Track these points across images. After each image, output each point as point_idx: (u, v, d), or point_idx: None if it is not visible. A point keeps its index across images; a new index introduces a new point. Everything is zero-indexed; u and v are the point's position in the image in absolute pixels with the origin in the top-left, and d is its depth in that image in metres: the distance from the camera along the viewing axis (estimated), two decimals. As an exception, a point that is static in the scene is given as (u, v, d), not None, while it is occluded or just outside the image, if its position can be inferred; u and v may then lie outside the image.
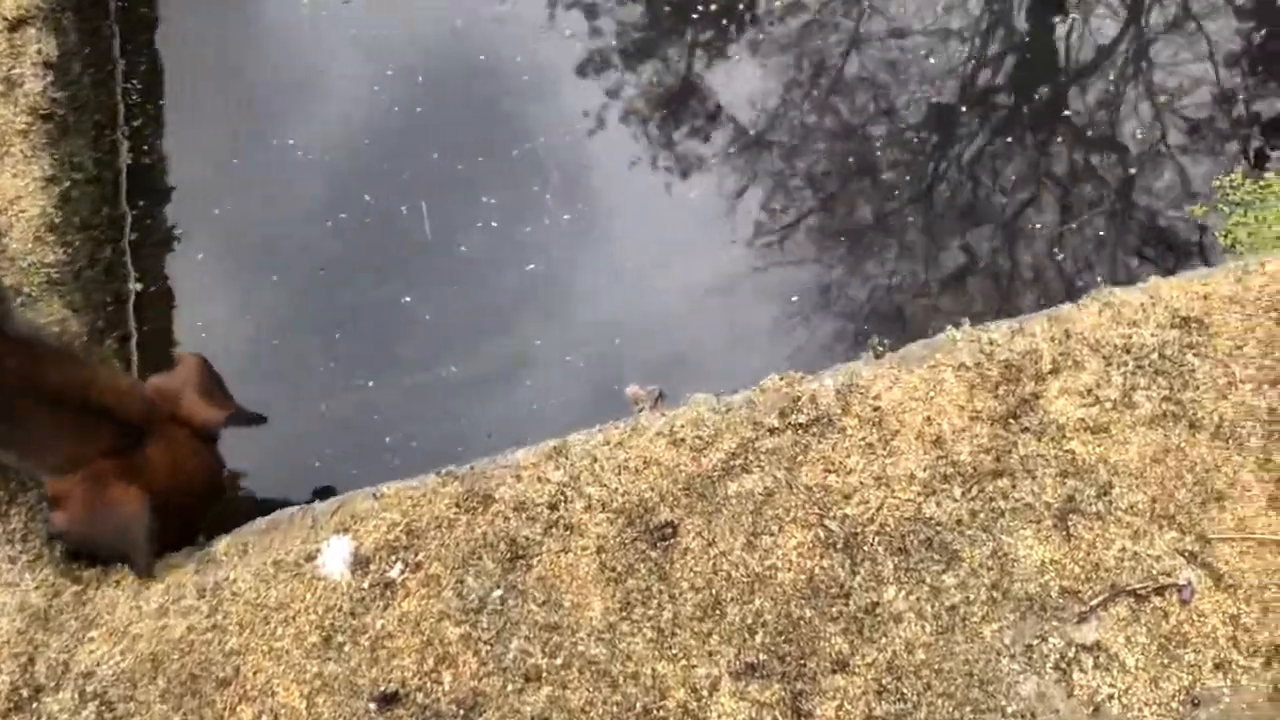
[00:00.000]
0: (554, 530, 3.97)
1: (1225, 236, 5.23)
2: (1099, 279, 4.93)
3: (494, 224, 5.32)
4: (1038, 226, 5.17)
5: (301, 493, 4.55)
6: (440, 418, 4.92)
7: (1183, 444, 3.94)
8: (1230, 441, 3.94)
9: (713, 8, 5.80)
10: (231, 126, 5.66)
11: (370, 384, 5.00)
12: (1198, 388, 4.03)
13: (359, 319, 5.19)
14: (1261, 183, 5.33)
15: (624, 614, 3.82)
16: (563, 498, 4.03)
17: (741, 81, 5.67)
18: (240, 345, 5.17)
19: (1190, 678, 3.64)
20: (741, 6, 5.88)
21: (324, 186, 5.52)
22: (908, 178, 5.34)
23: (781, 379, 4.27)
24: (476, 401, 4.92)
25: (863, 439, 4.05)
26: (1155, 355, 4.10)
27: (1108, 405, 4.02)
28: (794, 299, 5.09)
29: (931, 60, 5.61)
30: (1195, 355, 4.09)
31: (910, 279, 5.11)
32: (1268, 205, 5.27)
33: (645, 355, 4.96)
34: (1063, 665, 3.68)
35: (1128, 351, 4.11)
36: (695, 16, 5.80)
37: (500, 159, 5.53)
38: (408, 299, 5.17)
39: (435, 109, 5.69)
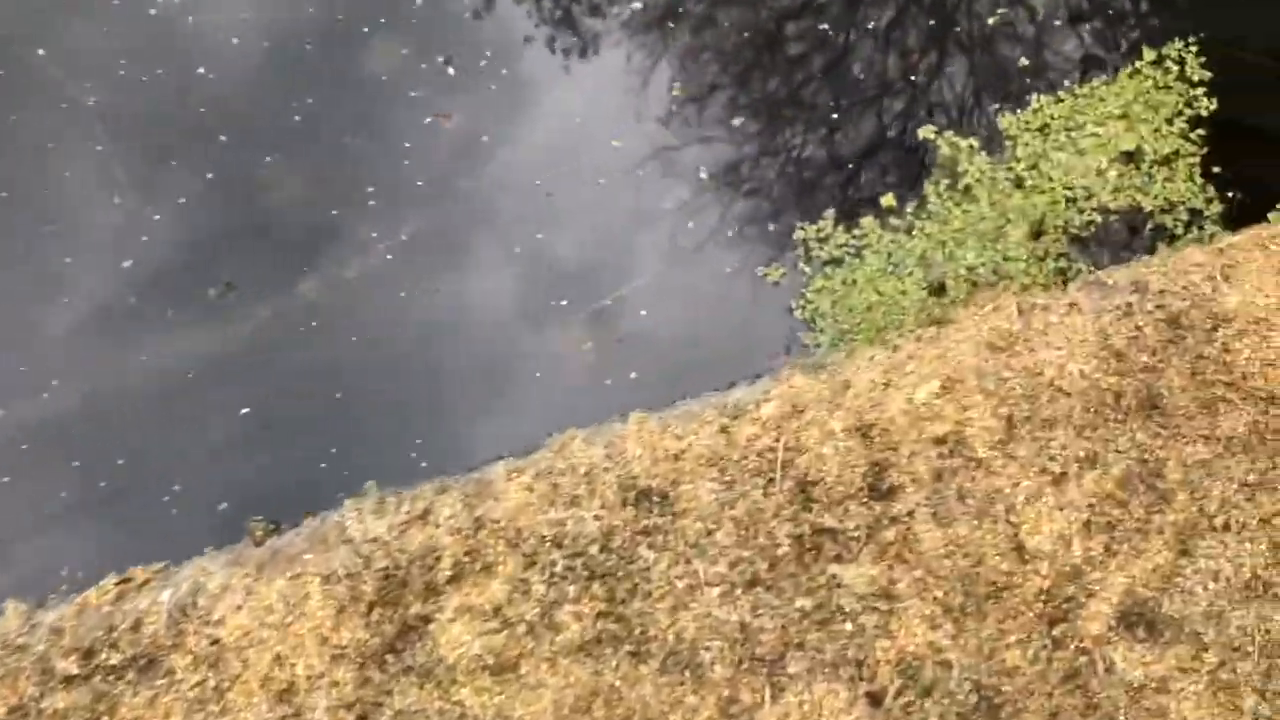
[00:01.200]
0: None
1: (804, 308, 4.11)
2: (607, 382, 3.70)
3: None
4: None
5: None
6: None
7: (619, 681, 2.85)
8: (686, 673, 2.86)
9: None
10: None
11: None
12: (649, 595, 2.93)
13: None
14: (857, 233, 4.22)
15: None
16: None
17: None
18: None
19: None
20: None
21: None
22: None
23: (117, 583, 3.11)
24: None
25: (192, 689, 2.90)
26: (596, 549, 2.98)
27: (520, 630, 2.90)
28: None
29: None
30: (651, 547, 2.99)
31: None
32: (863, 263, 4.15)
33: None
34: None
35: (558, 546, 2.99)
36: None
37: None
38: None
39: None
